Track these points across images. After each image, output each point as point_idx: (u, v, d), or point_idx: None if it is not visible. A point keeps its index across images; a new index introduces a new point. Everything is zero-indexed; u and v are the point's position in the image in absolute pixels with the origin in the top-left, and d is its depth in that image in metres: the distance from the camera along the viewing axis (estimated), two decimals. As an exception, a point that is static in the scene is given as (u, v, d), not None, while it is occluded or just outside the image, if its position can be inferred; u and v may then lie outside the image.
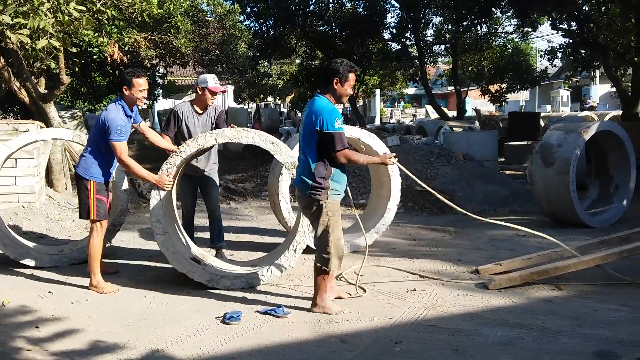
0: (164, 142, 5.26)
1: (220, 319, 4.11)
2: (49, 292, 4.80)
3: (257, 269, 4.94)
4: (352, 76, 4.17)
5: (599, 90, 33.34)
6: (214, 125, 5.58)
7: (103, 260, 5.10)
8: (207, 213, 5.81)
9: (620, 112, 16.00)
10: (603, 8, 12.71)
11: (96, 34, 9.26)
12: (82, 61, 10.47)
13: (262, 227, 7.60)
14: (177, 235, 5.13)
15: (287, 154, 4.94)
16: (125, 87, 4.76)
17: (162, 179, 4.73)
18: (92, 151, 4.83)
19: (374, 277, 5.16)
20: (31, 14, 6.41)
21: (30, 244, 5.85)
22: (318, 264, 4.18)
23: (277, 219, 6.47)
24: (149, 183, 4.92)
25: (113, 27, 9.81)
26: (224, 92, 5.85)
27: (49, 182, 9.01)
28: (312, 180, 4.09)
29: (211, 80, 5.49)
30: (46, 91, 8.95)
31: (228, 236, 7.07)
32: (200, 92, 5.49)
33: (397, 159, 4.38)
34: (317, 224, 4.17)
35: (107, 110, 4.75)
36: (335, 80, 4.11)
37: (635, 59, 13.07)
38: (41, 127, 8.04)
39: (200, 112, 5.55)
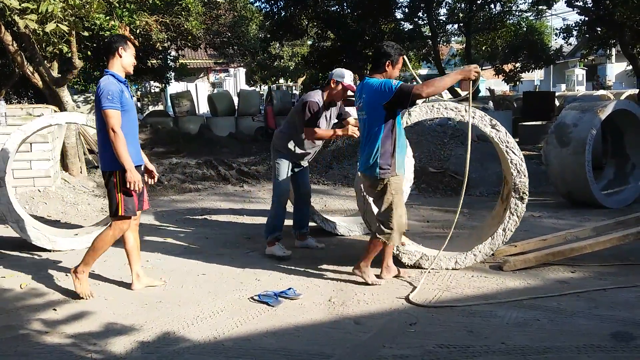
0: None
1: (256, 298, 4.19)
2: (66, 274, 4.84)
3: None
4: (401, 59, 4.37)
5: (615, 68, 32.84)
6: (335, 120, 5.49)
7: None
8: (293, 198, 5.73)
9: (636, 90, 15.72)
10: (620, -16, 12.45)
11: (107, 18, 9.23)
12: (94, 45, 10.47)
13: (276, 210, 7.58)
14: None
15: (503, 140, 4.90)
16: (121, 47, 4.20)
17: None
18: (107, 139, 4.07)
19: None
20: (42, -2, 6.40)
21: (47, 228, 5.91)
22: (378, 236, 4.36)
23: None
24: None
25: (124, 10, 9.80)
26: (353, 90, 5.24)
27: (64, 165, 9.08)
28: (380, 159, 4.24)
29: (348, 77, 5.17)
30: (59, 75, 8.99)
31: (242, 219, 7.11)
32: (333, 85, 5.19)
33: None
34: (381, 202, 4.34)
35: (98, 84, 4.17)
36: (387, 63, 4.30)
37: (653, 36, 12.85)
38: (55, 111, 8.08)
39: (326, 104, 5.28)
